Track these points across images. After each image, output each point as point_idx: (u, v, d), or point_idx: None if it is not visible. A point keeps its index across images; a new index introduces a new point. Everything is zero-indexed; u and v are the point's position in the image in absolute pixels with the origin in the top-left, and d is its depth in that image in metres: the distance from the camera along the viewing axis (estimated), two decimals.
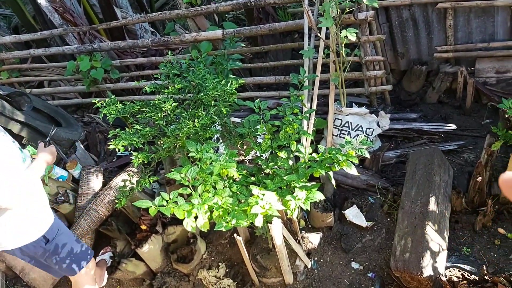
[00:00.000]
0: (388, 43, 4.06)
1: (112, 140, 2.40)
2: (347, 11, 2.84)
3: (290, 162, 2.37)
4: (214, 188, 2.20)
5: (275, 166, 2.36)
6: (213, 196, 2.12)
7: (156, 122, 2.55)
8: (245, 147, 2.66)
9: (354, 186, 3.26)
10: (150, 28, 5.68)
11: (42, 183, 3.22)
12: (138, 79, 4.49)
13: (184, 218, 2.00)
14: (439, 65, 3.96)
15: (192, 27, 3.95)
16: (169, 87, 2.73)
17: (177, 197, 2.04)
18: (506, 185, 0.40)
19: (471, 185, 2.77)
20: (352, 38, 2.66)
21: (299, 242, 2.74)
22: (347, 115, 3.43)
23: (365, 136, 3.37)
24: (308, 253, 2.80)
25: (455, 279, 2.24)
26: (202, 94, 2.59)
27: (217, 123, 2.76)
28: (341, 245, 2.82)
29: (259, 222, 2.01)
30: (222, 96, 2.51)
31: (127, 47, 4.19)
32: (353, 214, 2.93)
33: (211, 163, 2.17)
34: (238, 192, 2.29)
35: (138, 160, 2.41)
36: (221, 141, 2.91)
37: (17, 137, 3.42)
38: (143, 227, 3.01)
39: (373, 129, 3.40)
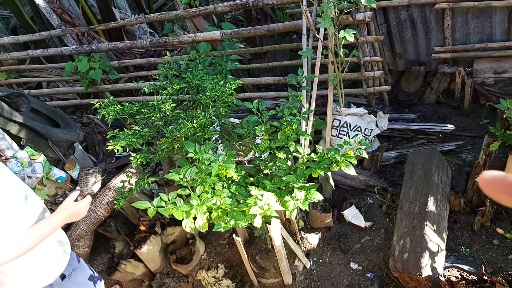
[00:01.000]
0: (386, 44, 4.07)
1: (110, 141, 2.40)
2: (345, 11, 2.84)
3: (289, 163, 2.37)
4: (213, 189, 2.20)
5: (274, 167, 2.36)
6: (212, 197, 2.11)
7: (155, 123, 2.55)
8: (243, 147, 2.66)
9: (352, 187, 3.26)
10: (149, 29, 5.67)
11: (41, 185, 3.22)
12: (136, 80, 4.49)
13: (183, 219, 2.00)
14: (437, 66, 3.97)
15: (190, 28, 3.95)
16: (168, 88, 2.74)
17: (175, 198, 2.04)
18: (486, 185, 0.41)
19: (470, 185, 2.78)
20: (351, 39, 2.66)
21: (298, 243, 2.74)
22: (345, 115, 3.43)
23: (363, 136, 3.37)
24: (307, 254, 2.80)
25: (453, 279, 2.24)
26: (200, 95, 2.59)
27: (216, 123, 2.77)
28: (340, 246, 2.83)
29: (258, 222, 2.01)
30: (220, 97, 2.52)
31: (126, 48, 4.19)
32: (352, 215, 2.93)
33: (209, 164, 2.17)
34: (237, 193, 2.29)
35: (137, 161, 2.41)
36: (220, 141, 2.91)
37: (15, 138, 3.41)
38: (142, 228, 3.00)
39: (372, 130, 3.40)
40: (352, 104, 3.70)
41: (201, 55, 3.53)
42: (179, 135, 2.35)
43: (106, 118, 2.55)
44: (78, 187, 3.10)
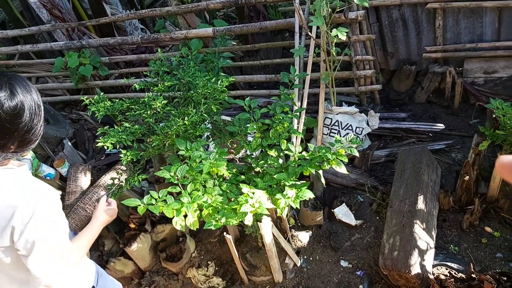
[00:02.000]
0: (378, 43, 4.08)
1: (100, 138, 2.38)
2: (338, 10, 2.85)
3: (280, 161, 2.37)
4: (204, 186, 2.19)
5: (265, 165, 2.36)
6: (203, 195, 2.10)
7: (146, 120, 2.53)
8: (235, 145, 2.65)
9: (343, 185, 3.27)
10: (140, 25, 5.63)
11: None
12: (127, 77, 4.44)
13: (174, 216, 1.98)
14: (428, 65, 4.00)
15: (182, 24, 3.92)
16: (159, 85, 2.72)
17: (166, 196, 2.03)
18: (503, 168, 0.40)
19: (459, 184, 2.81)
20: (343, 37, 2.67)
21: (288, 241, 2.74)
22: (337, 114, 3.44)
23: (354, 135, 3.39)
24: (298, 252, 2.81)
25: (442, 277, 2.26)
26: (192, 92, 2.57)
27: (208, 121, 2.76)
28: (330, 244, 2.83)
29: (249, 220, 2.00)
30: (212, 94, 2.50)
31: (116, 44, 4.14)
32: (343, 213, 2.94)
33: (200, 161, 2.16)
34: (228, 191, 2.28)
35: (127, 158, 2.39)
36: (211, 139, 2.90)
37: None
38: (132, 225, 2.98)
39: (363, 128, 3.42)
40: (343, 103, 3.71)
41: (193, 52, 3.51)
42: (170, 132, 2.34)
43: (96, 115, 2.53)
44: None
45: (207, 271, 2.87)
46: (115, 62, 4.48)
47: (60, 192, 1.61)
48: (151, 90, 2.74)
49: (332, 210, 2.98)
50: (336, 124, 3.44)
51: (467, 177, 2.72)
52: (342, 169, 2.09)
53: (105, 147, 2.33)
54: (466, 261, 2.57)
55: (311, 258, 2.79)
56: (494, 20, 3.67)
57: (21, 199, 1.27)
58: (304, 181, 2.21)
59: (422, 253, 2.40)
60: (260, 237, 2.61)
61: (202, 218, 2.08)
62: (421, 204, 2.62)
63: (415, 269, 2.28)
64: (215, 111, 2.61)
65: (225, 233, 2.31)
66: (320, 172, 2.19)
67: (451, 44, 3.83)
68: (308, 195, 2.09)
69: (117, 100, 2.60)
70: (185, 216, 2.02)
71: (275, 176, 2.17)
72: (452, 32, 3.81)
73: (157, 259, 2.98)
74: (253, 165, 2.40)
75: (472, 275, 2.21)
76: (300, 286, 2.66)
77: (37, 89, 1.43)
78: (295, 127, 3.12)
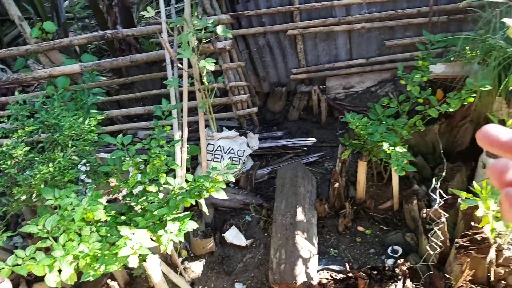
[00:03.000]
0: (250, 68, 4.33)
1: None
2: (205, 41, 2.97)
3: (161, 195, 2.34)
4: (79, 235, 2.06)
5: (146, 202, 2.31)
6: (78, 245, 1.98)
7: (6, 171, 2.30)
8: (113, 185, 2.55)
9: (232, 207, 3.36)
10: (0, 65, 5.09)
11: None
12: None
13: (46, 274, 1.82)
14: (296, 86, 4.37)
15: (45, 62, 3.66)
16: (19, 131, 2.49)
17: (35, 253, 1.86)
18: (481, 137, 0.40)
19: (331, 191, 3.10)
20: (211, 67, 2.78)
21: (181, 274, 2.70)
22: (218, 139, 3.54)
23: (237, 157, 3.52)
24: (192, 283, 2.78)
25: (324, 281, 2.46)
26: (58, 134, 2.42)
27: (82, 162, 2.61)
28: (224, 268, 2.87)
29: (133, 263, 1.94)
30: (80, 135, 2.38)
31: None
32: (233, 235, 3.01)
33: (73, 208, 2.03)
34: (108, 235, 2.18)
35: None
36: (90, 181, 2.74)
37: None
38: None
39: (244, 150, 3.57)
40: (224, 128, 3.84)
41: (59, 90, 3.30)
42: (33, 182, 2.15)
43: None
44: None
45: None
46: None
47: None
48: (10, 137, 2.49)
49: (223, 235, 3.03)
50: (219, 149, 3.54)
51: (337, 184, 3.02)
52: (221, 195, 2.15)
53: None
54: (345, 261, 2.83)
55: (206, 287, 2.79)
56: (346, 41, 4.18)
57: None
58: (188, 212, 2.22)
59: (306, 261, 2.58)
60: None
61: (80, 269, 1.95)
62: (300, 215, 2.82)
63: (301, 279, 2.43)
64: (88, 151, 2.49)
65: (109, 281, 2.19)
66: (202, 201, 2.22)
67: (313, 66, 4.26)
68: (191, 226, 2.11)
69: None
70: (60, 271, 1.88)
71: (155, 213, 2.14)
72: (312, 55, 4.23)
73: None
74: (132, 204, 2.33)
75: (349, 274, 2.44)
76: None
77: None
78: (178, 157, 3.12)
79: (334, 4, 3.75)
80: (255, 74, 4.39)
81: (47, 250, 2.04)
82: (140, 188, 2.42)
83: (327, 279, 2.49)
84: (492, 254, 2.40)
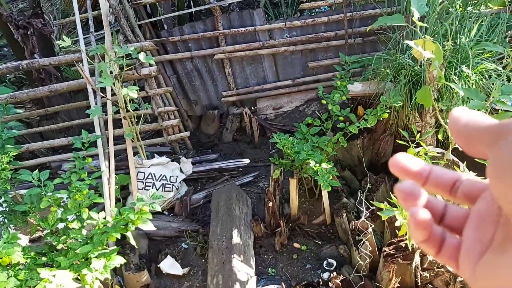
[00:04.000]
0: (181, 93, 4.31)
1: None
2: (127, 69, 2.91)
3: (85, 231, 2.22)
4: None
5: (69, 239, 2.18)
6: None
7: None
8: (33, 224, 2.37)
9: (167, 236, 3.26)
10: None
11: None
12: None
13: None
14: (228, 108, 4.42)
15: None
16: None
17: None
18: (393, 168, 0.37)
19: (266, 210, 3.13)
20: (134, 95, 2.73)
21: None
22: (149, 167, 3.45)
23: (170, 184, 3.45)
24: None
25: None
26: None
27: None
28: None
29: None
30: None
31: None
32: (168, 265, 2.92)
33: None
34: (28, 278, 2.01)
35: None
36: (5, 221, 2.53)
37: None
38: None
39: (177, 176, 3.51)
40: (155, 154, 3.75)
41: None
42: None
43: None
44: None
45: None
46: None
47: None
48: None
49: (158, 265, 2.92)
50: (150, 176, 3.44)
51: (271, 203, 3.07)
52: (149, 226, 2.09)
53: None
54: (283, 280, 2.86)
55: None
56: (272, 64, 4.32)
57: None
58: (114, 247, 2.12)
59: (243, 285, 2.56)
60: None
61: None
62: (236, 238, 2.82)
63: None
64: (2, 189, 2.31)
65: None
66: (129, 234, 2.14)
67: (243, 88, 4.34)
68: (118, 261, 2.02)
69: None
70: None
71: (77, 251, 2.02)
72: (241, 78, 4.32)
73: None
74: (54, 243, 2.18)
75: None
76: None
77: None
78: (106, 189, 2.99)
79: (257, 29, 3.88)
80: (186, 98, 4.38)
81: None
82: (62, 225, 2.28)
83: None
84: (417, 259, 2.55)
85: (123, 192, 3.52)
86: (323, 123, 3.11)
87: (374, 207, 2.84)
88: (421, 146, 2.46)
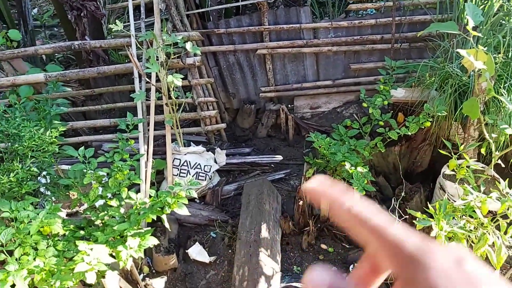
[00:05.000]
0: (220, 85, 4.37)
1: None
2: (173, 57, 2.98)
3: (123, 210, 2.31)
4: (35, 249, 1.99)
5: (106, 216, 2.27)
6: (34, 259, 1.91)
7: None
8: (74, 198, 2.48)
9: (197, 223, 3.33)
10: None
11: None
12: None
13: None
14: (265, 104, 4.44)
15: (8, 70, 3.56)
16: None
17: None
18: (307, 193, 0.41)
19: (295, 208, 3.14)
20: (178, 83, 2.80)
21: None
22: (185, 154, 3.53)
23: (203, 173, 3.52)
24: None
25: None
26: (17, 145, 2.34)
27: (42, 174, 2.53)
28: (186, 285, 2.83)
29: (91, 279, 1.89)
30: (40, 146, 2.32)
31: None
32: (196, 252, 2.98)
33: (30, 221, 1.97)
34: (66, 249, 2.12)
35: None
36: (49, 193, 2.66)
37: None
38: None
39: (211, 166, 3.57)
40: (192, 143, 3.83)
41: (22, 99, 3.21)
42: None
43: None
44: None
45: None
46: None
47: None
48: None
49: (186, 251, 3.00)
50: (185, 164, 3.52)
51: (301, 201, 3.07)
52: (183, 211, 2.15)
53: None
54: None
55: None
56: (313, 63, 4.31)
57: None
58: (149, 228, 2.20)
59: (268, 279, 2.58)
60: None
61: (35, 285, 1.88)
62: (265, 232, 2.84)
63: None
64: (50, 162, 2.43)
65: None
66: (164, 216, 2.20)
67: (282, 85, 4.35)
68: (151, 242, 2.08)
69: None
70: (13, 286, 1.81)
71: (115, 228, 2.10)
72: (281, 74, 4.33)
73: None
74: (92, 218, 2.28)
75: None
76: None
77: None
78: (143, 172, 3.09)
79: (302, 27, 3.87)
80: (225, 91, 4.43)
81: (1, 264, 1.96)
82: (101, 202, 2.37)
83: None
84: None
85: (158, 177, 3.62)
86: (361, 126, 3.07)
87: (407, 216, 2.80)
88: (463, 158, 2.40)
